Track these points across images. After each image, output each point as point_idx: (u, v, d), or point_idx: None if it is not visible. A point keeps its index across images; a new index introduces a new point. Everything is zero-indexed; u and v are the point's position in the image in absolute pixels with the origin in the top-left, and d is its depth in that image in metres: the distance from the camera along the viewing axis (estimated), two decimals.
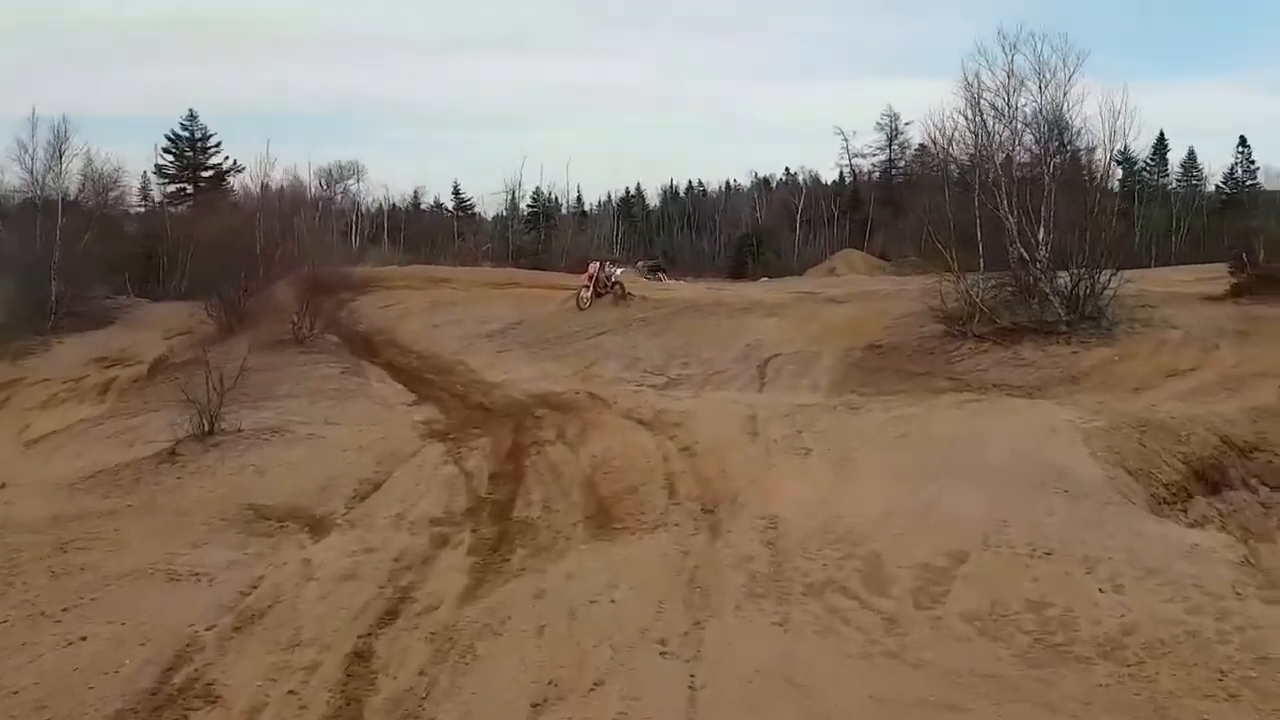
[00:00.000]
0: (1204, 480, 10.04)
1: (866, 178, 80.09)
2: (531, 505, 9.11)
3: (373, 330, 26.10)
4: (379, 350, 23.46)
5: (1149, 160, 71.04)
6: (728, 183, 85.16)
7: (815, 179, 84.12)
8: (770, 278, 49.98)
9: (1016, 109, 18.36)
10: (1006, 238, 17.63)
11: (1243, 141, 71.73)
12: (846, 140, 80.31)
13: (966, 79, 18.55)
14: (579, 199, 79.34)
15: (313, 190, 59.44)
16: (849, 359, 18.41)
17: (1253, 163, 71.26)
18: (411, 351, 23.15)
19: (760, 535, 7.82)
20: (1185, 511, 9.25)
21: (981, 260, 17.92)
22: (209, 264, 31.48)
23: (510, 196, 67.03)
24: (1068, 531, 7.30)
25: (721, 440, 11.32)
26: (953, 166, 19.47)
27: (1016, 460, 9.12)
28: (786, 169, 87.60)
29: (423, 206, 69.07)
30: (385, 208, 66.99)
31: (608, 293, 25.21)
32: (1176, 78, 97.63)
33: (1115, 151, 17.86)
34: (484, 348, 22.77)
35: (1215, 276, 22.12)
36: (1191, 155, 72.51)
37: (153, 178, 52.66)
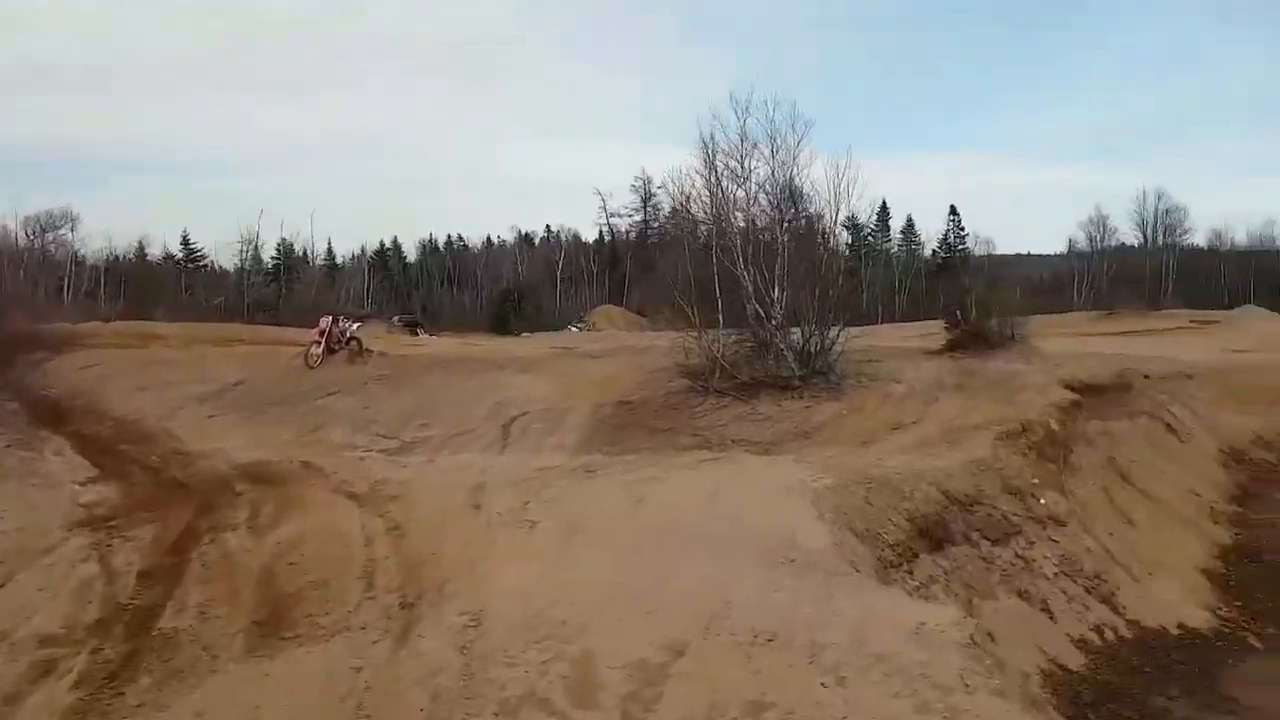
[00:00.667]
0: (928, 537, 9.95)
1: (624, 236, 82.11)
2: (185, 611, 7.48)
3: (66, 395, 22.55)
4: (68, 418, 20.20)
5: (874, 226, 77.57)
6: (489, 238, 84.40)
7: (576, 237, 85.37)
8: (533, 332, 49.43)
9: (750, 171, 18.63)
10: (744, 296, 17.67)
11: (953, 210, 79.93)
12: (604, 200, 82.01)
13: (703, 141, 18.65)
14: (329, 251, 75.62)
15: (18, 240, 52.84)
16: (598, 415, 17.77)
17: (962, 229, 79.40)
18: (108, 418, 20.12)
19: (457, 637, 6.69)
20: (911, 573, 9.05)
21: (721, 317, 17.86)
22: None
23: (248, 248, 62.68)
24: (793, 611, 6.70)
25: (440, 515, 10.13)
26: (701, 228, 19.45)
27: (747, 527, 8.58)
28: (548, 226, 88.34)
29: (148, 257, 63.16)
30: (104, 260, 60.49)
31: (342, 349, 23.33)
32: (896, 151, 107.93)
33: (841, 215, 18.46)
34: (195, 413, 20.18)
35: (933, 333, 23.48)
36: (910, 222, 79.89)
37: None
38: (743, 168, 18.63)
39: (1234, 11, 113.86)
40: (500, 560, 8.36)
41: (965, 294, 20.67)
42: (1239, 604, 12.03)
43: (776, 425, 15.20)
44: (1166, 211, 74.76)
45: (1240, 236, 75.18)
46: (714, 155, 18.40)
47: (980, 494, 11.16)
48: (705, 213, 18.93)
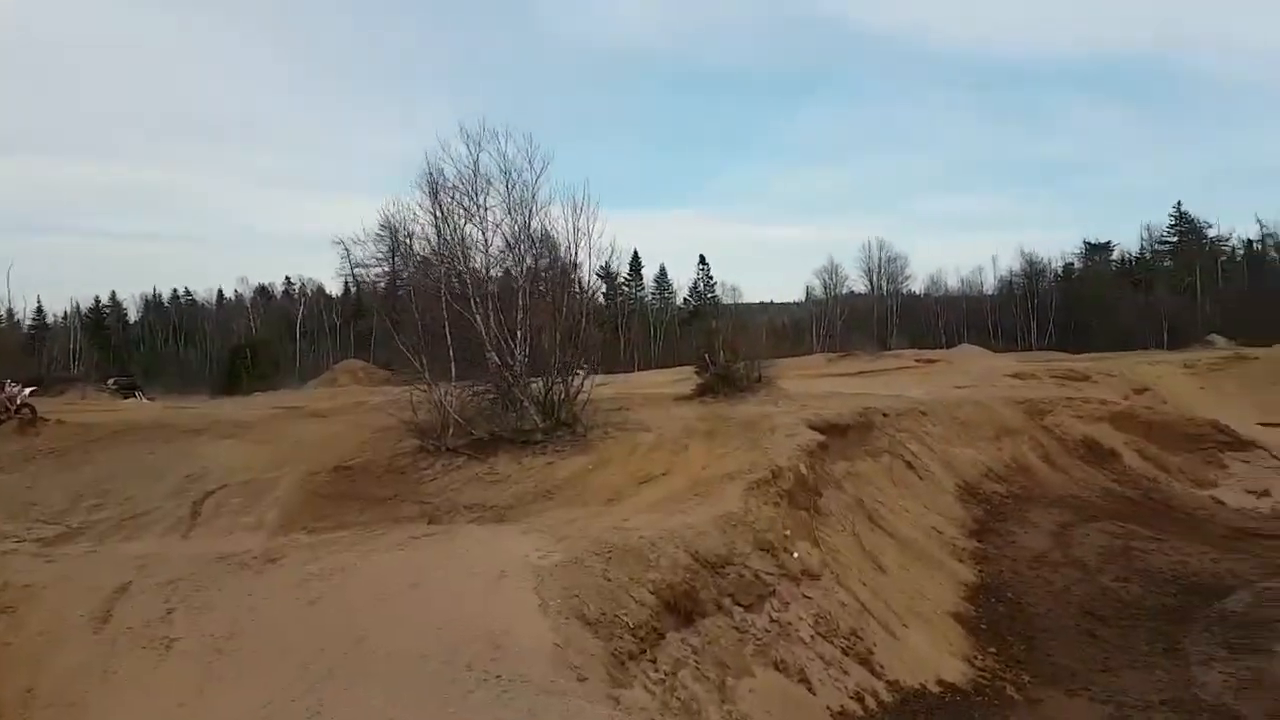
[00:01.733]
0: (676, 611, 8.69)
1: (372, 287, 78.26)
2: None
3: None
4: None
5: (627, 276, 78.69)
6: (219, 292, 78.09)
7: (320, 289, 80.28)
8: (268, 391, 45.32)
9: (484, 209, 17.11)
10: (481, 343, 16.09)
11: (702, 259, 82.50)
12: (348, 250, 77.94)
13: (430, 174, 16.96)
14: (39, 310, 67.06)
15: None
16: (310, 485, 15.49)
17: (711, 278, 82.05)
18: None
19: None
20: (655, 661, 7.71)
21: (454, 367, 16.16)
22: None
23: None
24: None
25: (54, 633, 7.72)
26: (430, 270, 17.60)
27: (446, 630, 6.89)
28: (287, 278, 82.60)
29: None
30: None
31: (10, 418, 19.55)
32: (648, 208, 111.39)
33: (586, 256, 17.30)
34: None
35: (687, 378, 22.88)
36: (663, 271, 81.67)
37: None
38: (476, 205, 17.11)
39: (930, 91, 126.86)
40: (113, 698, 6.20)
41: (714, 337, 20.18)
42: (993, 650, 11.66)
43: (515, 486, 13.65)
44: (889, 260, 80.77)
45: (953, 282, 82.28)
46: (439, 190, 16.77)
47: (732, 553, 10.07)
48: (436, 253, 17.18)
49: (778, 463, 12.89)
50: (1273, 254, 74.59)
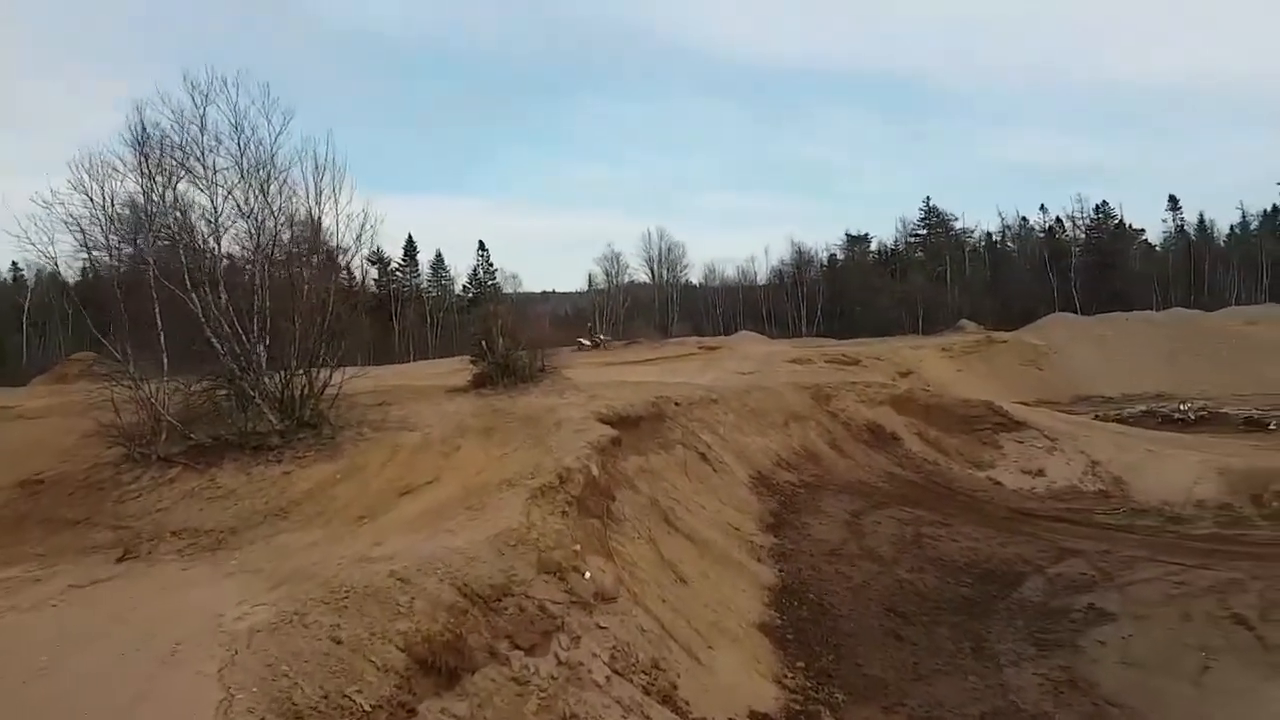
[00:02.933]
0: (436, 670, 6.66)
1: (115, 271, 69.48)
2: None
3: None
4: None
5: (402, 263, 74.41)
6: None
7: (53, 276, 70.44)
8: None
9: (215, 172, 14.09)
10: (201, 330, 13.22)
11: (482, 246, 79.49)
12: (82, 230, 69.27)
13: (137, 128, 13.72)
14: None
15: None
16: None
17: (491, 265, 79.29)
18: None
19: None
20: None
21: (165, 359, 13.22)
22: None
23: None
24: None
25: None
26: (126, 244, 14.31)
27: None
28: (14, 263, 72.29)
29: None
30: None
31: None
32: (422, 192, 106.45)
33: (338, 225, 14.65)
34: None
35: (464, 369, 20.70)
36: (440, 258, 77.98)
37: None
38: (203, 165, 14.09)
39: (720, 91, 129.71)
40: None
41: (491, 322, 18.05)
42: (801, 665, 10.40)
43: (240, 503, 11.09)
44: (669, 249, 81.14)
45: (730, 271, 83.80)
46: (146, 143, 13.62)
47: (510, 580, 8.15)
48: (143, 219, 13.99)
49: (565, 464, 11.08)
50: (1010, 245, 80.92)
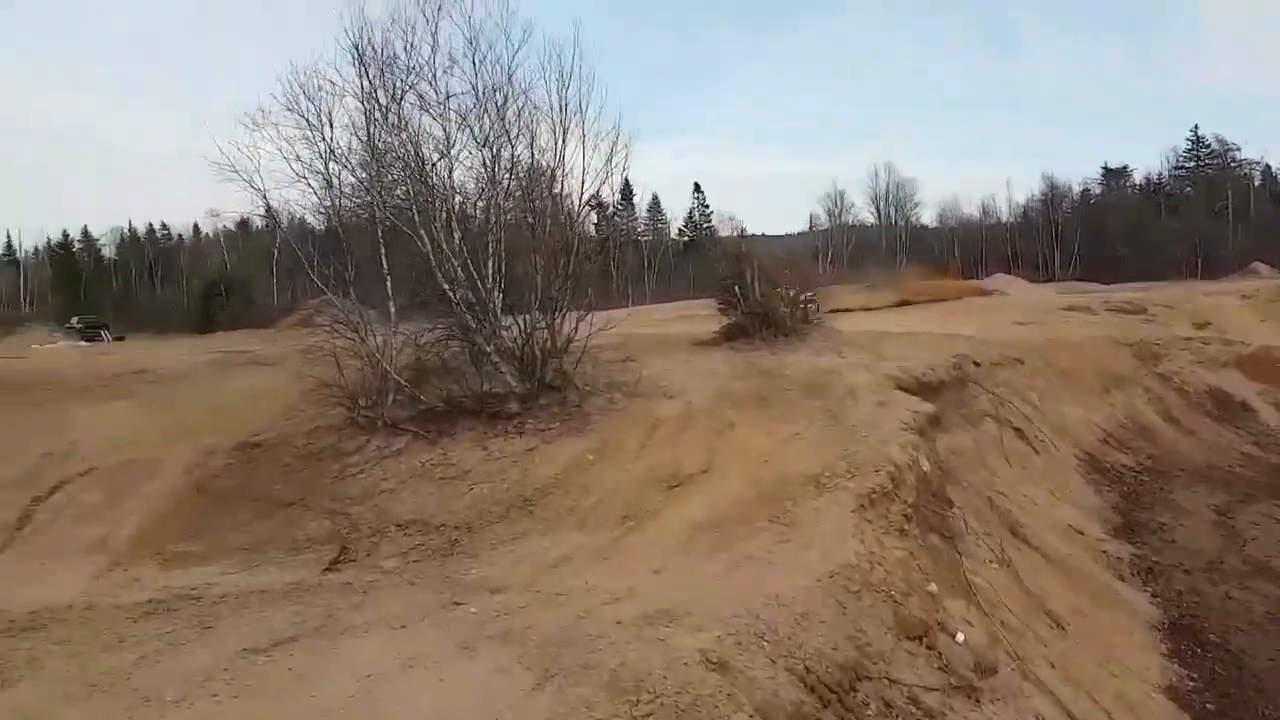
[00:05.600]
0: None
1: (356, 218, 72.05)
2: None
3: None
4: None
5: (619, 205, 73.10)
6: (196, 226, 72.43)
7: (301, 222, 73.91)
8: (239, 330, 40.98)
9: (448, 97, 11.96)
10: (431, 273, 11.22)
11: (698, 188, 76.76)
12: (330, 179, 72.18)
13: (361, 48, 11.74)
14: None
15: None
16: (198, 474, 10.86)
17: (707, 207, 76.54)
18: None
19: None
20: None
21: (393, 306, 11.32)
22: None
23: None
24: None
25: None
26: (349, 176, 12.41)
27: None
28: (268, 209, 76.42)
29: None
30: None
31: None
32: (636, 136, 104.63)
33: (584, 149, 12.15)
34: None
35: (695, 314, 18.12)
36: (656, 201, 75.96)
37: None
38: (435, 90, 11.99)
39: (948, 9, 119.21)
40: None
41: (743, 264, 15.29)
42: None
43: (476, 488, 8.95)
44: (897, 186, 75.40)
45: (967, 209, 76.82)
46: (368, 64, 11.62)
47: (865, 655, 5.42)
48: (368, 148, 12.03)
49: (890, 455, 8.18)
50: None
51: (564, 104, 11.68)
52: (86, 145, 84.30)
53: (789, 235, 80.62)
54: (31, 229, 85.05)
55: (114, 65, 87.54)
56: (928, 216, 77.50)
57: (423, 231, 11.23)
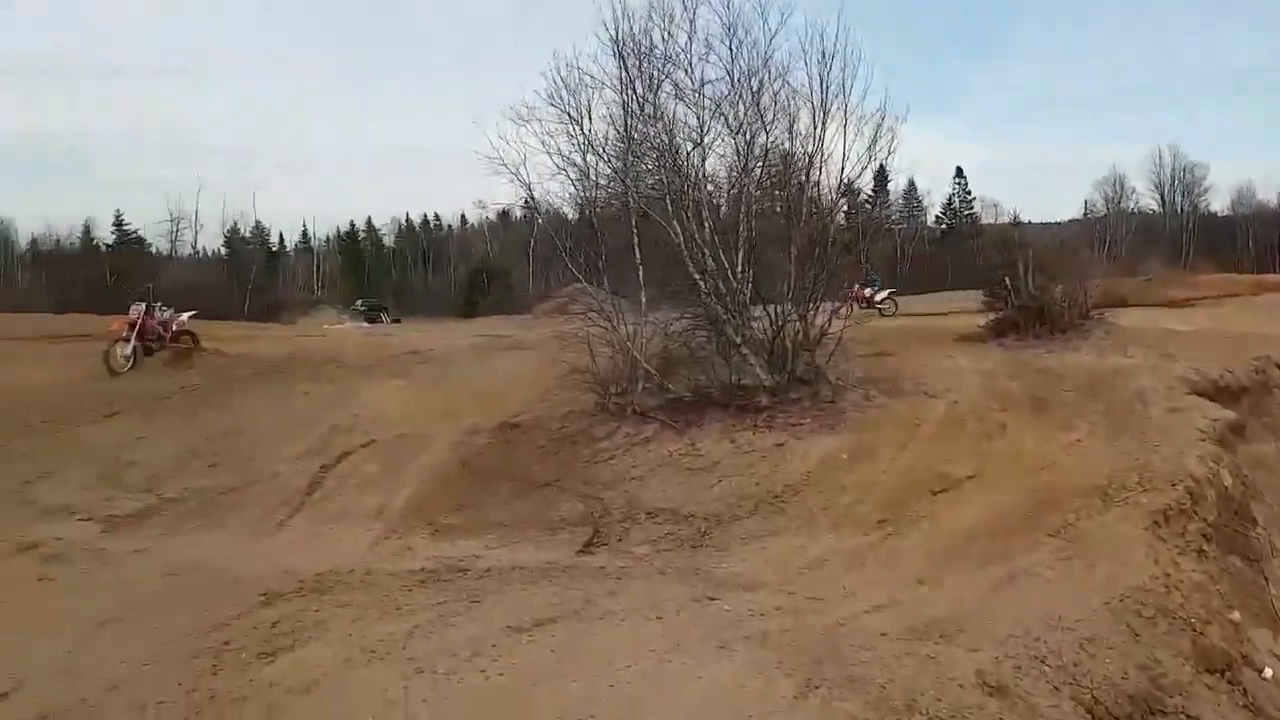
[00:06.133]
0: None
1: (606, 206, 74.67)
2: None
3: None
4: None
5: (871, 192, 70.67)
6: (463, 216, 77.77)
7: (555, 213, 77.59)
8: (499, 315, 43.80)
9: (703, 84, 11.98)
10: (681, 262, 11.27)
11: (959, 172, 72.94)
12: (587, 169, 75.06)
13: (620, 36, 11.96)
14: (280, 236, 69.04)
15: None
16: (463, 451, 11.47)
17: (969, 193, 72.57)
18: None
19: None
20: None
21: (643, 295, 11.47)
22: None
23: (176, 228, 55.94)
24: None
25: None
26: (601, 166, 12.69)
27: None
28: (527, 201, 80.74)
29: (59, 241, 56.44)
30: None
31: (164, 347, 17.03)
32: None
33: (845, 135, 11.72)
34: None
35: (958, 309, 17.14)
36: (912, 186, 72.90)
37: None
38: (690, 76, 12.03)
39: None
40: None
41: (1015, 252, 14.25)
42: None
43: (725, 481, 8.86)
44: (1184, 170, 68.17)
45: (1265, 195, 68.22)
46: (626, 55, 11.81)
47: (1158, 687, 4.84)
48: (624, 138, 12.27)
49: (1188, 467, 7.29)
50: None
51: (824, 86, 11.32)
52: (375, 142, 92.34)
53: (1060, 223, 75.04)
54: (325, 219, 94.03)
55: (404, 74, 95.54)
56: (1218, 204, 69.61)
57: (674, 221, 11.30)
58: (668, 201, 11.21)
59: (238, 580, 7.79)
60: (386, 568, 7.88)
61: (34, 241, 55.24)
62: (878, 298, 26.10)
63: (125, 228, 60.19)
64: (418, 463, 11.35)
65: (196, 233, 60.31)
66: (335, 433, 12.71)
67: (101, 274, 53.43)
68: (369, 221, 75.09)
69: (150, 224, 61.18)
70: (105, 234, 58.13)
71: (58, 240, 56.42)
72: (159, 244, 57.98)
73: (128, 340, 16.67)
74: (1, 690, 5.77)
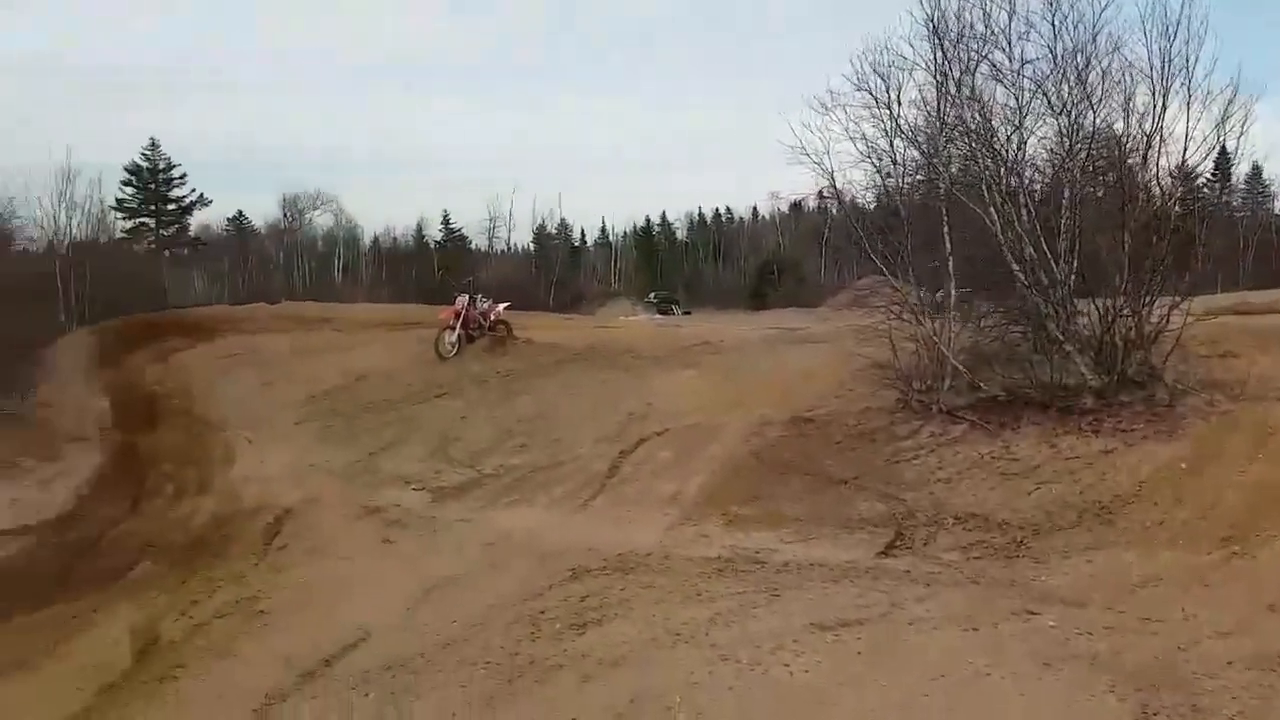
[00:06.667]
0: None
1: (908, 197, 71.98)
2: None
3: (171, 392, 19.62)
4: (154, 419, 17.01)
5: (1211, 176, 62.71)
6: (754, 208, 78.24)
7: (853, 201, 75.78)
8: (788, 308, 43.98)
9: (1023, 64, 11.16)
10: (997, 254, 10.56)
11: None
12: (882, 157, 73.00)
13: (932, 20, 11.37)
14: (581, 232, 72.95)
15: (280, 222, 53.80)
16: (755, 442, 11.52)
17: None
18: (196, 422, 16.70)
19: None
20: None
21: (952, 287, 10.87)
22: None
23: (493, 226, 60.60)
24: None
25: None
26: (910, 149, 12.13)
27: None
28: (821, 193, 79.89)
29: (396, 239, 62.84)
30: (347, 239, 60.43)
31: (482, 335, 18.57)
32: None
33: (1189, 115, 10.42)
34: (284, 420, 16.26)
35: None
36: (1257, 170, 63.94)
37: (112, 212, 44.99)
38: (1008, 58, 11.23)
39: None
40: None
41: None
42: None
43: (1044, 489, 8.21)
44: None
45: None
46: (947, 39, 11.20)
47: None
48: (929, 125, 11.67)
49: None
50: None
51: (1166, 61, 10.15)
52: (671, 138, 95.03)
53: None
54: (622, 215, 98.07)
55: (705, 72, 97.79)
56: None
57: (989, 207, 10.60)
58: (983, 187, 10.53)
59: (547, 554, 8.30)
60: (684, 553, 8.04)
61: (375, 240, 61.86)
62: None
63: (451, 226, 66.14)
64: (709, 452, 11.51)
65: (510, 231, 65.03)
66: (632, 420, 13.23)
67: (430, 269, 58.96)
68: (663, 216, 77.32)
69: (472, 223, 66.73)
70: (434, 232, 64.06)
71: (394, 238, 62.92)
72: (479, 241, 63.02)
73: (453, 329, 18.30)
74: (352, 640, 6.50)
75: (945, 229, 10.83)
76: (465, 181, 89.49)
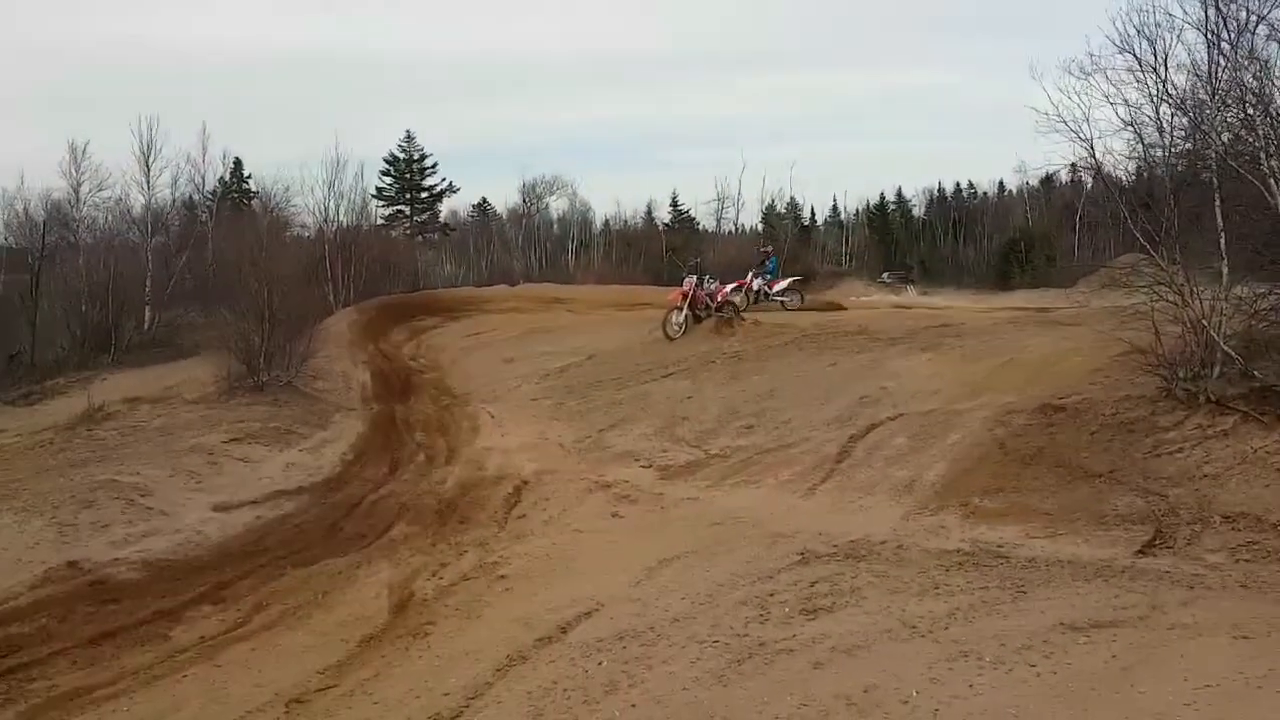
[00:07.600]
0: None
1: (1171, 169, 65.44)
2: None
3: (426, 366, 21.29)
4: (411, 392, 18.53)
5: None
6: (1000, 183, 73.93)
7: (1107, 175, 69.56)
8: (1036, 289, 41.45)
9: None
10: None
11: None
12: (1137, 130, 66.96)
13: None
14: (811, 210, 71.71)
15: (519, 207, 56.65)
16: (999, 431, 10.88)
17: None
18: (445, 395, 18.08)
19: None
20: None
21: (1225, 268, 9.83)
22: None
23: (720, 207, 60.74)
24: None
25: None
26: (1175, 114, 11.03)
27: None
28: (1074, 165, 73.85)
29: (626, 221, 64.33)
30: (580, 222, 62.43)
31: (710, 316, 18.86)
32: None
33: None
34: (524, 393, 17.35)
35: None
36: None
37: (373, 201, 49.44)
38: None
39: None
40: None
41: None
42: None
43: None
44: None
45: None
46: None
47: None
48: (1199, 91, 10.56)
49: None
50: None
51: None
52: (910, 110, 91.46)
53: None
54: (855, 191, 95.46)
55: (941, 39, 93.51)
56: None
57: (1270, 180, 9.50)
58: (1263, 157, 9.45)
59: (776, 537, 8.28)
60: (919, 544, 7.78)
61: (606, 222, 63.65)
62: (776, 288, 21.71)
63: (679, 208, 66.98)
64: (948, 440, 10.99)
65: (738, 210, 64.95)
66: (863, 403, 12.87)
67: (659, 250, 59.95)
68: (899, 192, 74.60)
69: (700, 203, 67.34)
70: (663, 214, 65.08)
71: (625, 220, 64.50)
72: (706, 222, 63.42)
73: (681, 309, 18.64)
74: (586, 609, 6.80)
75: (1217, 202, 9.80)
76: (694, 163, 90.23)
